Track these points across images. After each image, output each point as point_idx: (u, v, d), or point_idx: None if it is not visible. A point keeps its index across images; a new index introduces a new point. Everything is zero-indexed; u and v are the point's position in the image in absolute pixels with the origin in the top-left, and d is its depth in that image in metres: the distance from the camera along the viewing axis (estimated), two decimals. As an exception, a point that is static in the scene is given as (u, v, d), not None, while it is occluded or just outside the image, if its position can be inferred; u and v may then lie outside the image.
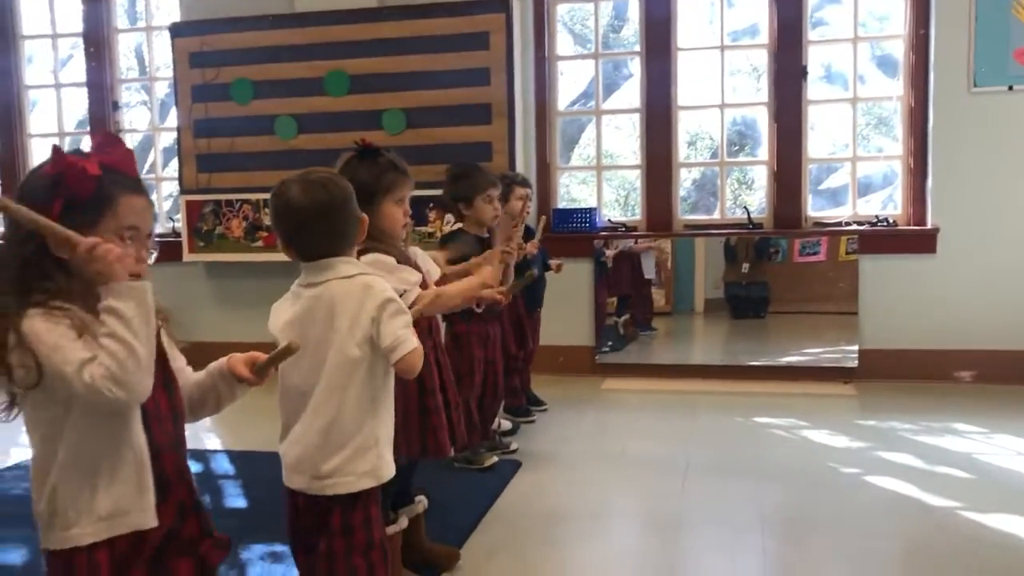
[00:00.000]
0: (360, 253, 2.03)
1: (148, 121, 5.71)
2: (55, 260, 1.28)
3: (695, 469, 3.19)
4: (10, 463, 3.44)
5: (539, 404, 3.99)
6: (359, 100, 4.68)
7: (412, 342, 1.65)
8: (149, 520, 1.32)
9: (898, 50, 4.59)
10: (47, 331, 1.23)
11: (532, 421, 3.82)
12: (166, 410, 1.38)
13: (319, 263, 1.69)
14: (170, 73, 4.97)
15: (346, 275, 1.68)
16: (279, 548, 2.55)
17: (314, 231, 1.68)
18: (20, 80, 5.50)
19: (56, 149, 1.29)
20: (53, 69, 5.57)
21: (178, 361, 1.45)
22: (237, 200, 4.87)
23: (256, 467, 3.34)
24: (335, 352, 1.65)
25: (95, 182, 1.28)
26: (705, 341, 4.99)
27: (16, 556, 2.59)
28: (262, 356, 1.42)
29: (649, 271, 4.78)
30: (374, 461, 1.69)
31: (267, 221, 4.82)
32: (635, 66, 4.98)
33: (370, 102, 4.65)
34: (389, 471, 1.72)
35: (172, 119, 5.07)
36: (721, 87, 4.77)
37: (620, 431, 3.80)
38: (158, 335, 1.35)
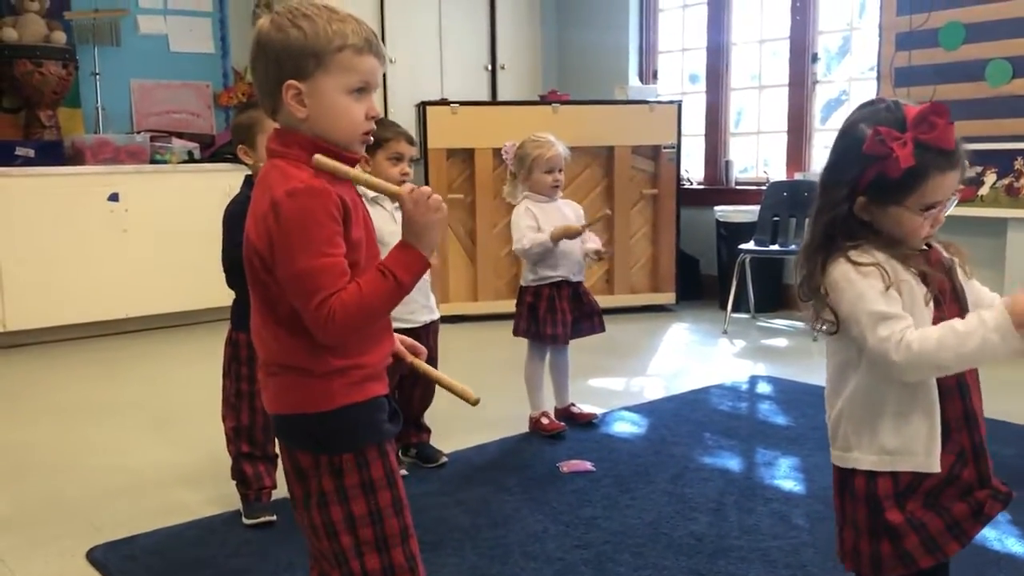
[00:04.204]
0: None
1: (844, 74, 5.78)
2: (859, 221, 1.37)
3: None
4: (715, 383, 3.88)
5: None
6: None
7: None
8: (932, 465, 1.36)
9: None
10: (858, 279, 1.33)
11: None
12: None
13: None
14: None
15: None
16: None
17: None
18: (729, 37, 6.02)
19: (876, 133, 1.31)
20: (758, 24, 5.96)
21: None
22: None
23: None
24: None
25: (905, 171, 1.31)
26: None
27: (734, 463, 2.91)
28: None
29: None
30: None
31: (965, 174, 4.55)
32: None
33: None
34: None
35: (847, 68, 5.07)
36: None
37: None
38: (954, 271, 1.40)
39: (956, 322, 1.30)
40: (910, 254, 1.38)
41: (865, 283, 1.33)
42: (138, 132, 5.48)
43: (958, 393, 1.38)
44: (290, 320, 1.35)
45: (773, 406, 3.57)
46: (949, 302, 1.39)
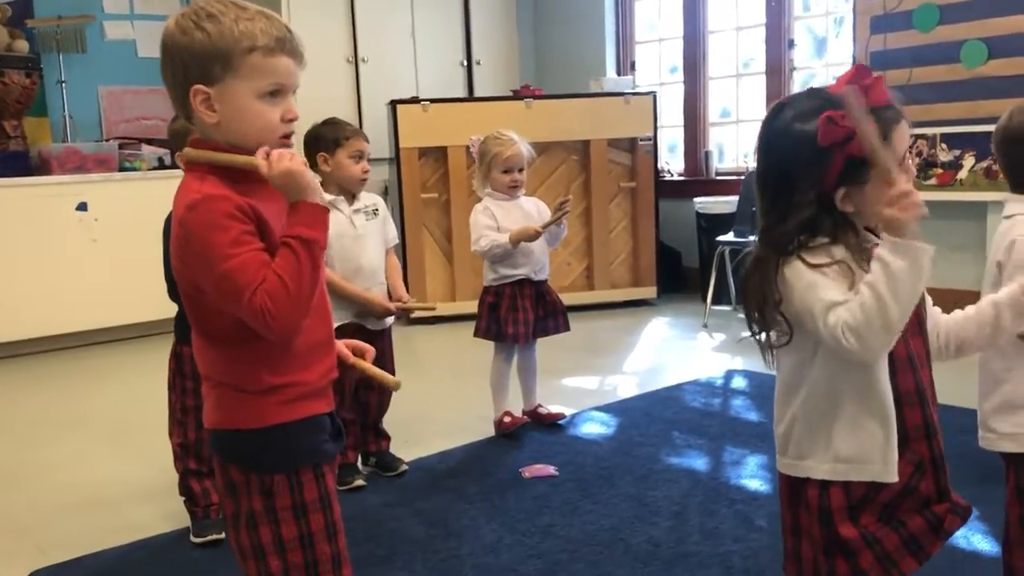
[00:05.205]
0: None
1: (811, 58, 5.70)
2: (830, 216, 1.28)
3: None
4: (690, 379, 3.81)
5: None
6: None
7: None
8: (890, 475, 1.27)
9: None
10: (808, 271, 1.25)
11: None
12: (921, 357, 1.31)
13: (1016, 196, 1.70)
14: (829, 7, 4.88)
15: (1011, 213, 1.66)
16: None
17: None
18: (705, 25, 5.93)
19: (828, 119, 1.23)
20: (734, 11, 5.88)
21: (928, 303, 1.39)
22: (912, 135, 4.59)
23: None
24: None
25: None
26: None
27: (701, 463, 2.84)
28: None
29: None
30: None
31: (943, 157, 4.48)
32: None
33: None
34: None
35: (830, 55, 4.99)
36: None
37: None
38: None
39: (867, 277, 1.20)
40: (868, 247, 1.30)
41: (816, 274, 1.24)
42: (107, 139, 5.40)
43: (917, 400, 1.30)
44: (219, 336, 1.31)
45: (746, 402, 3.50)
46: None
